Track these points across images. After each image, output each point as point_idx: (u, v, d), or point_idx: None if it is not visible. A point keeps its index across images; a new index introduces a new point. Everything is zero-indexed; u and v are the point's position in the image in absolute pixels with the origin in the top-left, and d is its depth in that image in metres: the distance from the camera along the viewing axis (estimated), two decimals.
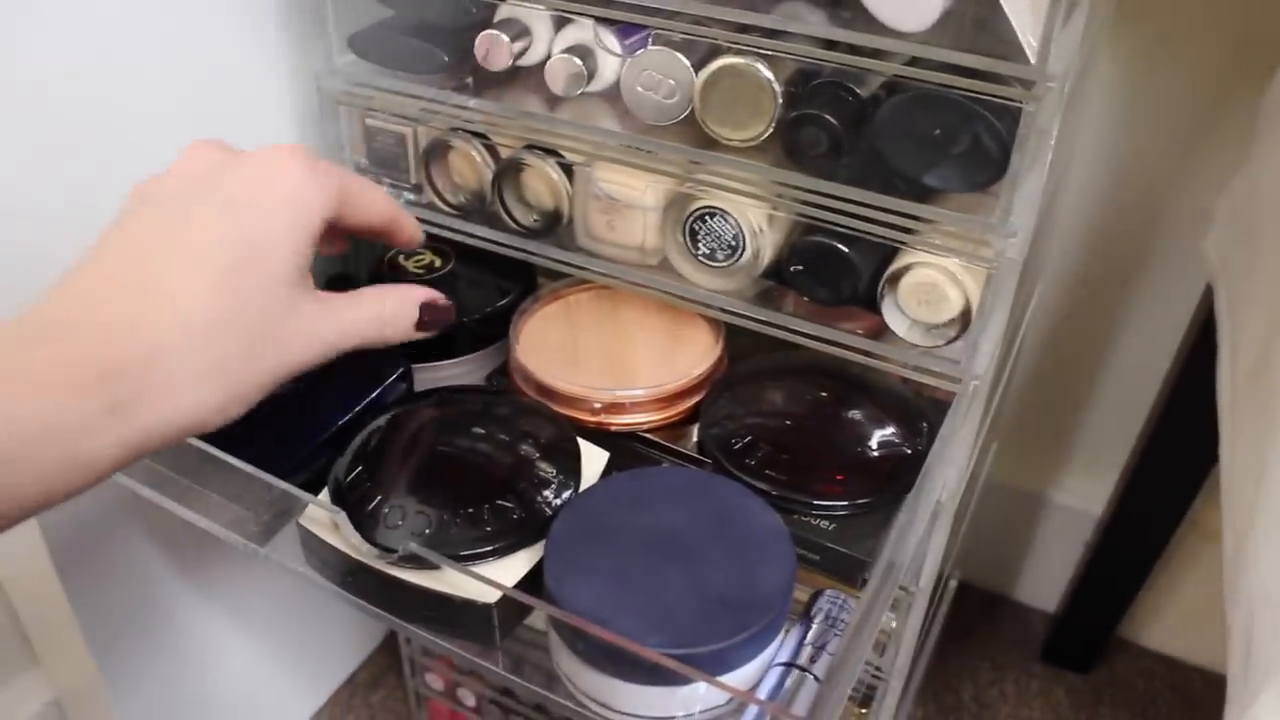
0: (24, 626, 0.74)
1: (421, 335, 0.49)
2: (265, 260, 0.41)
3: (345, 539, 0.48)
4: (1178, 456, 0.86)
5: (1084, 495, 1.02)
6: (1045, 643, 1.06)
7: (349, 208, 0.47)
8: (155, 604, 0.73)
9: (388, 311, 0.48)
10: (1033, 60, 0.44)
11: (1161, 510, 0.91)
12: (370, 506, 0.49)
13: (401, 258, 0.67)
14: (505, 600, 0.46)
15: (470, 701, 0.88)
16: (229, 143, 0.46)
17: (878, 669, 0.65)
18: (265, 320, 0.41)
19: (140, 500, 0.56)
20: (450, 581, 0.46)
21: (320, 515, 0.49)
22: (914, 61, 0.46)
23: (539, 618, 0.48)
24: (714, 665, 0.42)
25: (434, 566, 0.46)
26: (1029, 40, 0.43)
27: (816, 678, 0.44)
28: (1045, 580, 1.09)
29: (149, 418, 0.38)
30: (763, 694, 0.44)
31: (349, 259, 0.67)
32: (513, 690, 0.82)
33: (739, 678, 0.44)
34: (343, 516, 0.47)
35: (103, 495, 0.63)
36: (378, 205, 0.49)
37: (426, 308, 0.49)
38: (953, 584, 0.97)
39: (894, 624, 0.62)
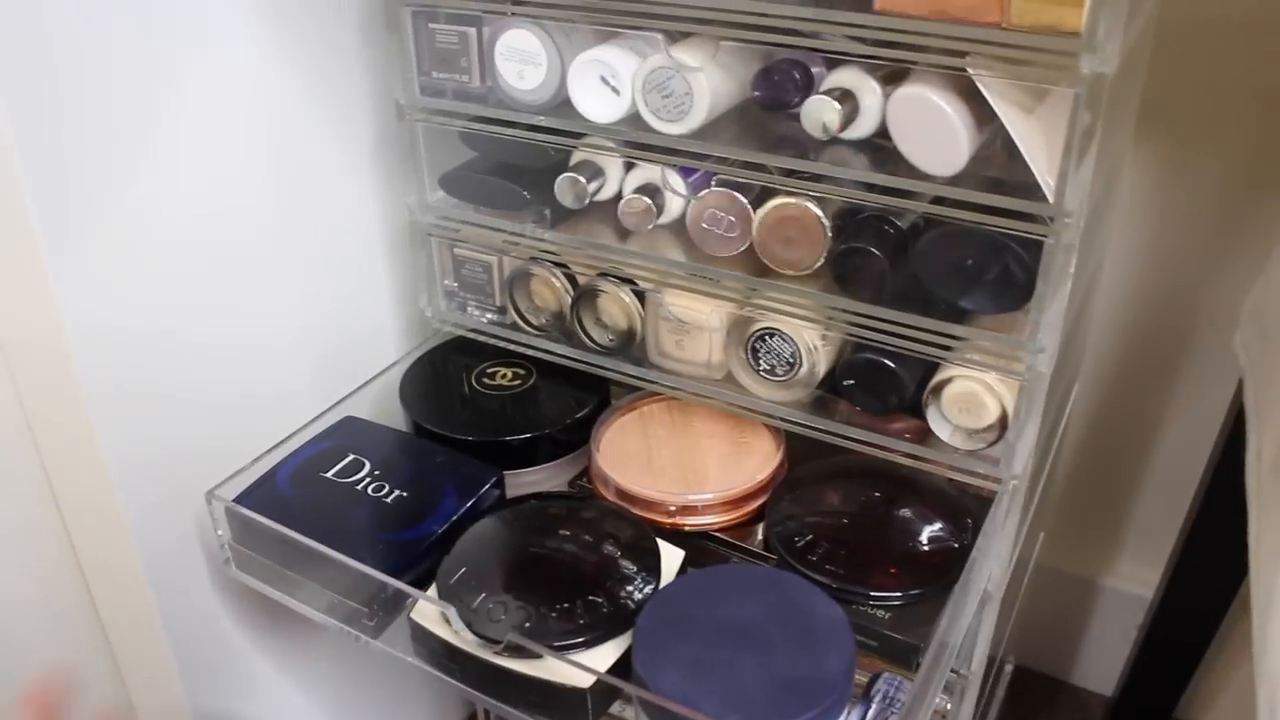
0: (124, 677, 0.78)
1: None
2: None
3: (453, 630, 0.54)
4: (1221, 541, 0.87)
5: (1135, 579, 1.04)
6: None
7: None
8: (252, 678, 0.77)
9: None
10: (1050, 199, 0.49)
11: (1210, 594, 0.93)
12: (475, 602, 0.55)
13: (488, 376, 0.73)
14: (598, 685, 0.51)
15: None
16: None
17: None
18: None
19: (249, 590, 0.61)
20: (549, 669, 0.52)
21: (429, 610, 0.55)
22: (946, 199, 0.52)
23: (618, 705, 0.54)
24: None
25: (534, 655, 0.52)
26: (1047, 180, 0.49)
27: None
28: (1102, 664, 1.10)
29: None
30: None
31: (439, 370, 0.74)
32: None
33: None
34: (452, 611, 0.53)
35: (217, 585, 0.69)
36: None
37: None
38: (1008, 668, 1.00)
39: (949, 706, 0.66)
